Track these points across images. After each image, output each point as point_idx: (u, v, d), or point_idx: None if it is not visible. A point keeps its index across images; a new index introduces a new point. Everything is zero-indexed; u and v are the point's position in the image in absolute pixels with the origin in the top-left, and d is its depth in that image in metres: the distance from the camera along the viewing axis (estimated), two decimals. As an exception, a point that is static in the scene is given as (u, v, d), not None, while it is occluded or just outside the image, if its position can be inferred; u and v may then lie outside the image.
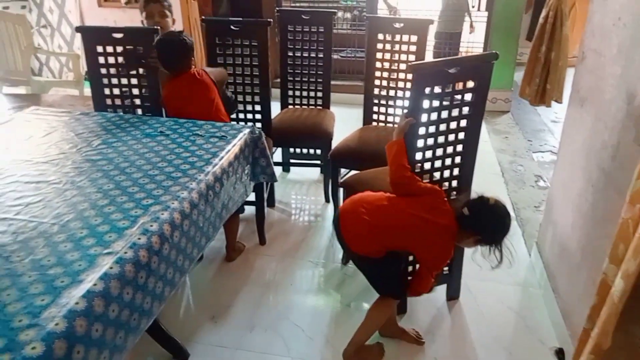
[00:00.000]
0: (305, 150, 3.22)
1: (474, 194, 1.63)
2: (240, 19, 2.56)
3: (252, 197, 2.27)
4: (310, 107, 3.05)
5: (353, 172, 2.43)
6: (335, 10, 3.02)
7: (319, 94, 3.01)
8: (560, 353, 1.82)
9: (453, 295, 2.12)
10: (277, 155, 3.13)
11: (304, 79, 2.99)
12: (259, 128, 2.10)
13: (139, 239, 1.28)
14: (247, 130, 2.04)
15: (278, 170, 3.27)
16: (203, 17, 2.71)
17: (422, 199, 1.61)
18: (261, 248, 2.46)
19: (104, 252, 1.22)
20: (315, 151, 3.19)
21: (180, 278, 1.47)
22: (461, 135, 1.78)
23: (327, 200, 2.89)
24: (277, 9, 3.09)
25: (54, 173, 1.64)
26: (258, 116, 2.67)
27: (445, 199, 1.65)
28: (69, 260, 1.18)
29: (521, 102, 3.94)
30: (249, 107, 2.67)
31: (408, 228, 1.59)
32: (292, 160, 3.24)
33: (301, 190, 3.11)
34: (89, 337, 1.05)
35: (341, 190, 2.37)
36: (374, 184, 1.96)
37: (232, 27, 2.49)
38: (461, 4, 4.51)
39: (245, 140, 2.00)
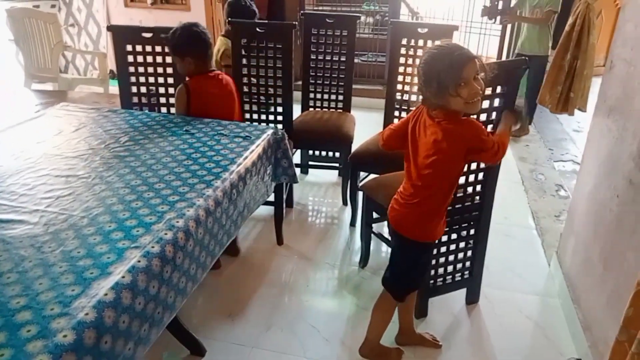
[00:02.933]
0: (324, 153, 3.23)
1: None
2: (266, 21, 2.59)
3: (271, 197, 2.29)
4: (331, 110, 3.07)
5: (372, 176, 2.44)
6: (360, 15, 3.02)
7: (340, 97, 3.03)
8: (579, 364, 1.80)
9: (472, 299, 2.11)
10: (296, 157, 3.15)
11: (325, 82, 3.01)
12: (281, 129, 2.12)
13: (166, 234, 1.31)
14: (270, 131, 2.06)
15: (296, 171, 3.30)
16: (229, 18, 2.75)
17: (413, 131, 1.52)
18: (278, 248, 2.48)
19: (131, 245, 1.25)
20: (333, 154, 3.20)
21: (202, 274, 1.49)
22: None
23: (345, 203, 2.90)
24: (302, 12, 3.12)
25: (83, 168, 1.68)
26: (280, 118, 2.69)
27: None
28: (98, 253, 1.21)
29: (543, 111, 3.89)
30: (272, 109, 2.69)
31: (422, 152, 1.49)
32: (310, 163, 3.26)
33: (319, 192, 3.13)
34: (117, 328, 1.07)
35: (360, 193, 2.38)
36: (393, 187, 1.96)
37: (257, 29, 2.53)
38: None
39: (269, 141, 2.02)
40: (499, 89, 1.73)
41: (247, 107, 2.66)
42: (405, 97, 2.71)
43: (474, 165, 1.86)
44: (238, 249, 2.39)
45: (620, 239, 1.69)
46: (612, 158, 1.86)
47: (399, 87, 2.72)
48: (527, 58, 1.84)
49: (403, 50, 2.65)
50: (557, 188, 3.21)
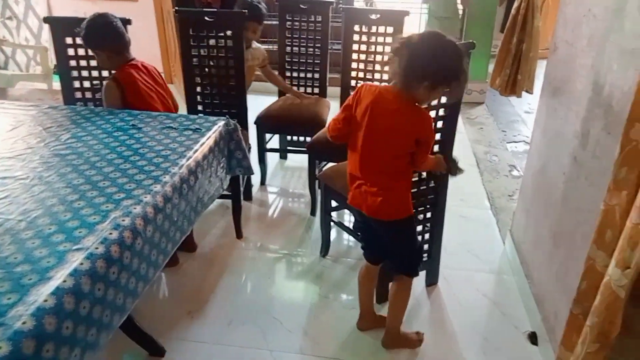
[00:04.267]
0: (302, 138, 3.23)
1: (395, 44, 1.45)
2: (214, 9, 2.51)
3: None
4: (308, 95, 3.11)
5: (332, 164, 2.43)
6: (333, 0, 3.02)
7: (316, 83, 3.12)
8: (533, 337, 1.86)
9: (432, 281, 2.15)
10: (275, 142, 3.21)
11: (301, 68, 3.10)
12: (233, 120, 2.07)
13: (111, 234, 1.25)
14: (221, 123, 2.01)
15: (275, 156, 3.30)
16: (176, 8, 2.65)
17: (360, 106, 1.51)
18: (238, 242, 2.44)
19: (73, 248, 1.18)
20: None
21: (154, 273, 1.44)
22: (439, 124, 1.80)
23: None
24: None
25: (20, 168, 1.58)
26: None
27: (370, 84, 1.56)
28: (37, 257, 1.14)
29: (496, 94, 3.99)
30: (225, 101, 2.63)
31: (381, 136, 1.49)
32: (288, 148, 3.29)
33: (292, 179, 3.10)
34: (59, 335, 1.02)
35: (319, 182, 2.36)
36: None
37: (206, 18, 2.45)
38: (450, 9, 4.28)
39: (220, 133, 1.97)
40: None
41: (199, 98, 2.59)
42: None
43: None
44: (195, 244, 2.34)
45: (568, 215, 1.75)
46: (558, 137, 1.92)
47: (353, 74, 2.72)
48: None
49: (356, 37, 2.65)
50: (510, 168, 3.30)
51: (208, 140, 1.87)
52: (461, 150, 3.44)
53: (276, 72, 3.04)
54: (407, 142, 1.49)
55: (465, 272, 2.25)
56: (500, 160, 3.42)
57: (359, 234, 1.80)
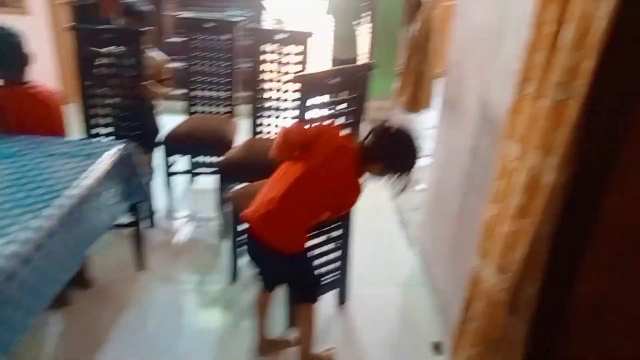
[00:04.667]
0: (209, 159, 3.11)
1: (375, 124, 1.60)
2: (112, 26, 2.38)
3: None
4: (216, 115, 3.05)
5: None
6: (239, 20, 2.98)
7: (225, 102, 3.05)
8: (438, 347, 1.92)
9: (343, 299, 2.15)
10: (184, 162, 3.07)
11: (209, 87, 3.02)
12: (132, 144, 1.95)
13: (-27, 280, 1.10)
14: (117, 147, 1.88)
15: (183, 179, 3.15)
16: (72, 24, 2.47)
17: (315, 148, 1.56)
18: (140, 274, 2.27)
19: None
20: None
21: (30, 321, 1.28)
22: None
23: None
24: (181, 17, 3.08)
25: None
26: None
27: (340, 133, 1.63)
28: None
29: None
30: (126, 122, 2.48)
31: (318, 186, 1.54)
32: (194, 171, 3.13)
33: (201, 202, 2.95)
34: None
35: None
36: None
37: (102, 34, 2.29)
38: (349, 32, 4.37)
39: (116, 158, 1.84)
40: (347, 94, 1.79)
41: (99, 120, 2.42)
42: (270, 103, 2.70)
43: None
44: (90, 280, 2.14)
45: (463, 227, 1.85)
46: (455, 152, 2.03)
47: (264, 93, 2.71)
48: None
49: (264, 57, 2.65)
50: (417, 182, 3.45)
51: (101, 166, 1.74)
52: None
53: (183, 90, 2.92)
54: (335, 202, 1.61)
55: (376, 287, 2.29)
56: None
57: (254, 260, 1.75)
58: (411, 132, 1.58)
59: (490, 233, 1.27)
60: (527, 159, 1.14)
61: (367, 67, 1.84)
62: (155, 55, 2.68)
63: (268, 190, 1.59)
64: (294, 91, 2.61)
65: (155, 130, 2.74)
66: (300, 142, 1.57)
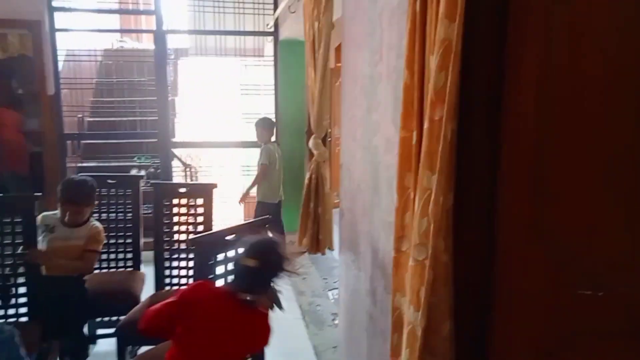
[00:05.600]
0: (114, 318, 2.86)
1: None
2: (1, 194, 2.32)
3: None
4: (120, 269, 2.91)
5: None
6: (143, 175, 3.04)
7: (129, 255, 2.94)
8: None
9: None
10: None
11: (111, 242, 2.89)
12: (11, 324, 1.79)
13: None
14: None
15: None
16: None
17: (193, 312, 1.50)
18: None
19: None
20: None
21: None
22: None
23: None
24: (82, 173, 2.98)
25: None
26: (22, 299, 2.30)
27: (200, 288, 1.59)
28: None
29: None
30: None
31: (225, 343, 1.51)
32: (99, 332, 2.86)
33: None
34: None
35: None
36: None
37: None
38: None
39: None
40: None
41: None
42: (175, 255, 2.68)
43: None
44: None
45: (372, 371, 1.86)
46: (356, 294, 2.11)
47: (166, 246, 2.69)
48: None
49: (166, 210, 2.69)
50: (333, 317, 3.45)
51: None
52: (287, 303, 3.52)
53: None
54: (248, 346, 1.62)
55: None
56: (324, 310, 3.56)
57: None
58: (273, 242, 1.60)
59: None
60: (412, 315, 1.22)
61: (264, 222, 1.96)
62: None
63: None
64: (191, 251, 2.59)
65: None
66: (166, 323, 1.53)
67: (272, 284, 1.55)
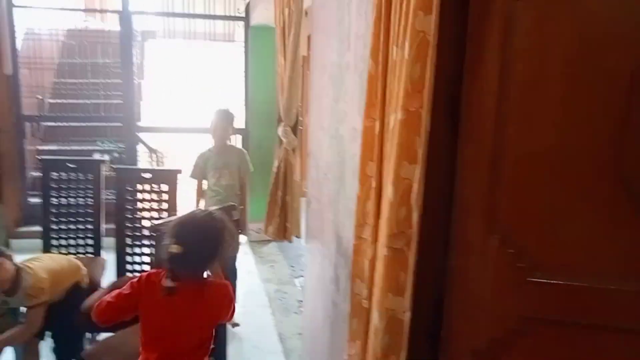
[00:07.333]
0: None
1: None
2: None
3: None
4: (80, 255, 2.81)
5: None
6: (105, 160, 2.97)
7: (89, 242, 2.86)
8: None
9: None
10: None
11: (71, 227, 2.84)
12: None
13: None
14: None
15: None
16: None
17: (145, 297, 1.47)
18: None
19: None
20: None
21: None
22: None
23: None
24: (41, 158, 2.97)
25: None
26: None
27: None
28: None
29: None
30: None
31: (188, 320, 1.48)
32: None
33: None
34: None
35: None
36: (130, 351, 1.76)
37: None
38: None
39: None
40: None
41: None
42: (137, 242, 2.63)
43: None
44: None
45: (333, 356, 1.89)
46: (320, 281, 2.12)
47: (128, 232, 2.63)
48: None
49: (129, 195, 2.63)
50: (299, 304, 3.47)
51: None
52: (253, 290, 3.52)
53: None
54: (215, 320, 1.57)
55: None
56: (290, 297, 3.58)
57: None
58: (196, 216, 1.53)
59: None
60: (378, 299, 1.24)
61: (229, 208, 1.94)
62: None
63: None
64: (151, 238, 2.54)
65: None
66: (118, 316, 1.50)
67: (213, 261, 1.49)
